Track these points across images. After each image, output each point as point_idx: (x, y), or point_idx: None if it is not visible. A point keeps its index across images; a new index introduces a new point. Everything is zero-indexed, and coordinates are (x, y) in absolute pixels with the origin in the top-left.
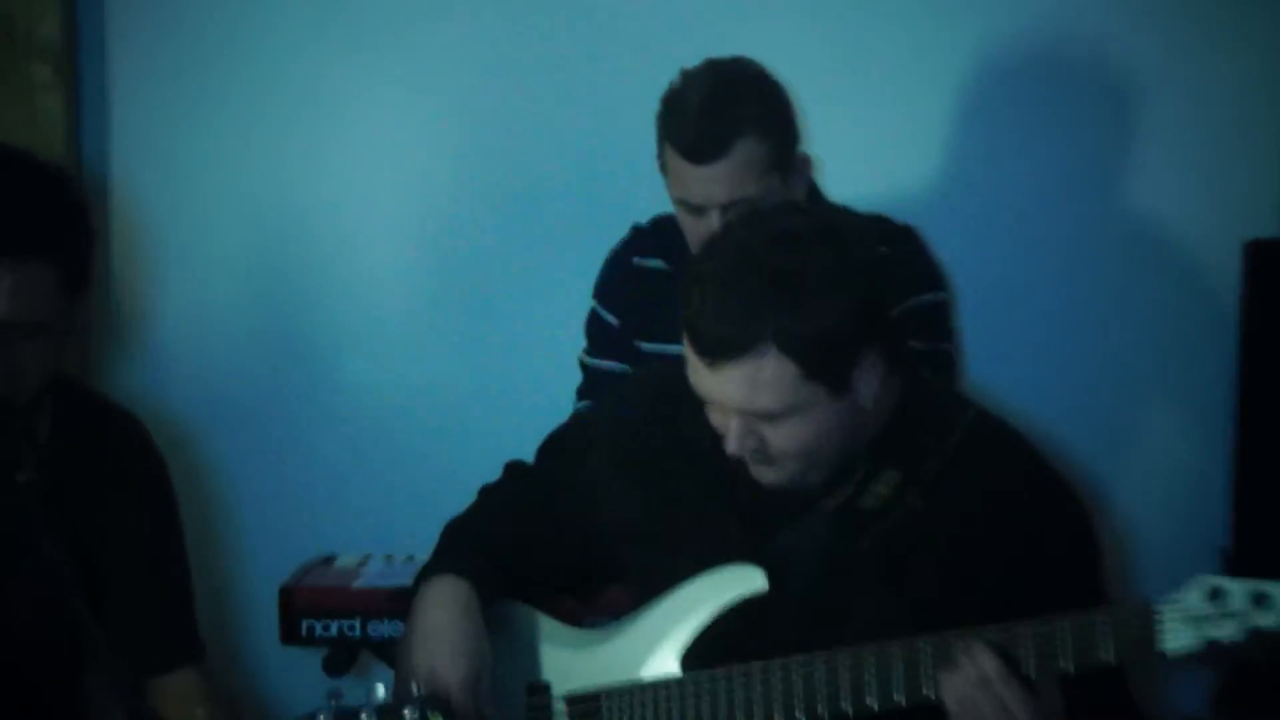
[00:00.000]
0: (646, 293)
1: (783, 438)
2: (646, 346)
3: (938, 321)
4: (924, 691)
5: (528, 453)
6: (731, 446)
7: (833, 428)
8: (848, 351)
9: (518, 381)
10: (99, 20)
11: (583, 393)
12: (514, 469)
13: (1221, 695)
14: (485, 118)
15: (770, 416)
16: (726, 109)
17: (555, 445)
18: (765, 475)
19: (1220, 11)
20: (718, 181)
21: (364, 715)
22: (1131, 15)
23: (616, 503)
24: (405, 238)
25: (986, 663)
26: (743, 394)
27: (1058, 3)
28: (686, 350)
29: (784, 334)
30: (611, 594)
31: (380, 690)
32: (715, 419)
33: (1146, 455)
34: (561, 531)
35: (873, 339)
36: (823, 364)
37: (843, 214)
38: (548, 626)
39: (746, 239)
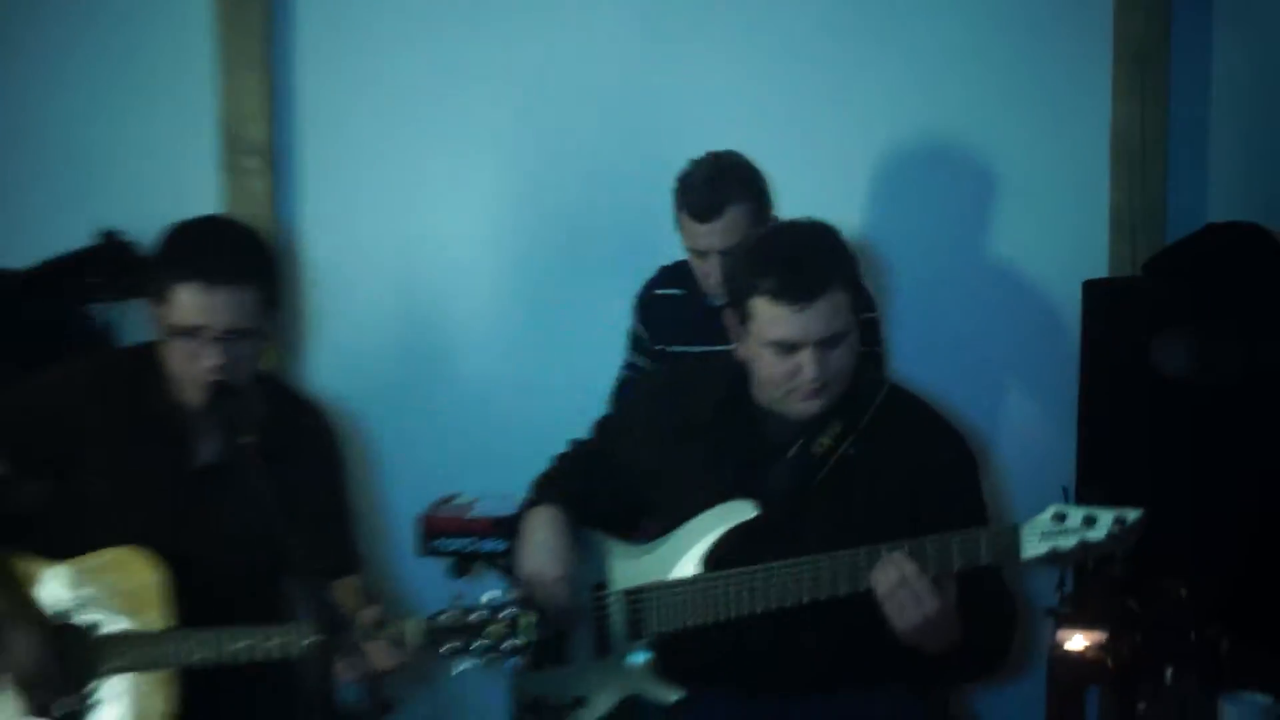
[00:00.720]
0: (668, 312)
1: (839, 358)
2: (670, 349)
3: (872, 332)
4: (861, 587)
5: (583, 424)
6: (812, 372)
7: (853, 356)
8: (859, 300)
9: (576, 373)
10: (289, 125)
11: (623, 381)
12: (575, 443)
13: (1068, 593)
14: (558, 192)
15: (839, 338)
16: (721, 185)
17: (605, 422)
18: (809, 407)
19: (1053, 103)
20: (715, 235)
21: (477, 610)
22: (991, 112)
23: (648, 459)
24: (500, 271)
25: (905, 566)
26: (825, 321)
27: (938, 106)
28: (772, 309)
29: (843, 275)
30: (647, 523)
31: (488, 594)
32: (783, 369)
33: (1017, 426)
34: (611, 480)
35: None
36: (855, 300)
37: None
38: (607, 544)
39: (795, 232)
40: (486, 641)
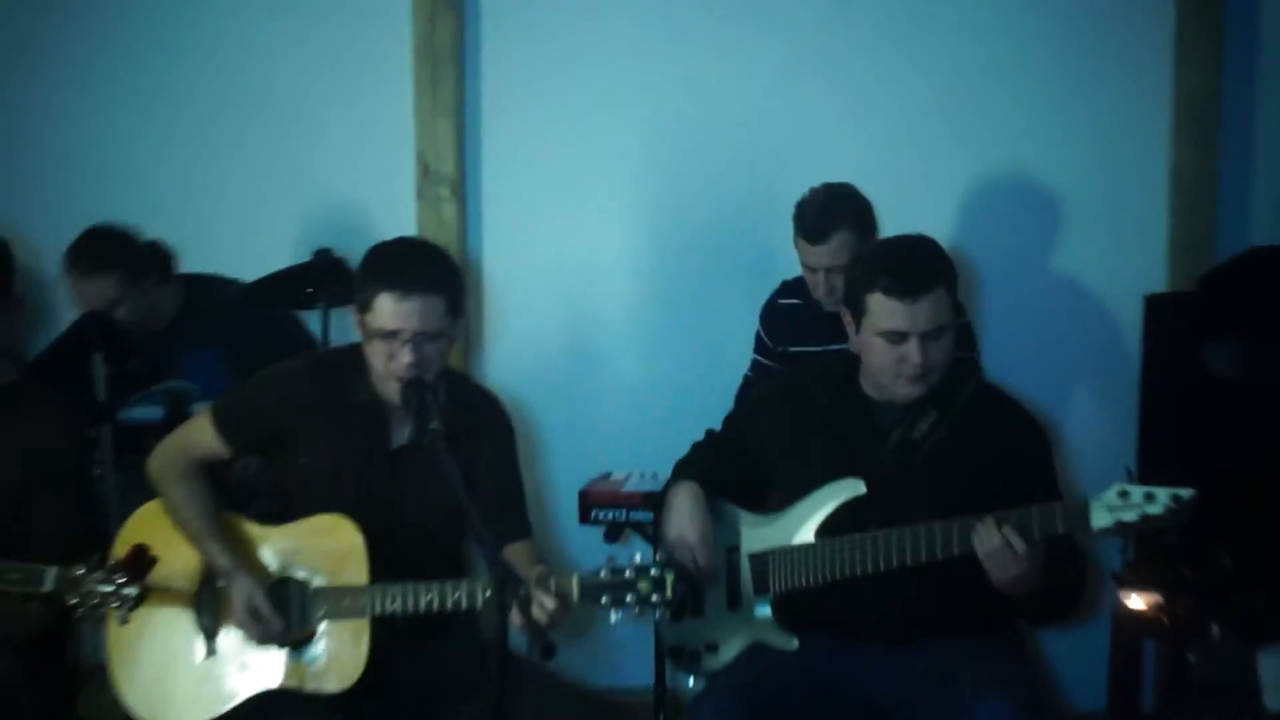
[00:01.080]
0: (787, 318)
1: (940, 349)
2: (789, 349)
3: (965, 336)
4: (956, 551)
5: (715, 415)
6: (917, 358)
7: (951, 348)
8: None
9: (709, 372)
10: (474, 162)
11: (749, 379)
12: (710, 432)
13: (1129, 560)
14: (696, 215)
15: (940, 330)
16: (832, 213)
17: (734, 414)
18: (913, 391)
19: (1122, 144)
20: (824, 255)
21: (628, 569)
22: (1069, 152)
23: (772, 442)
24: (646, 284)
25: (1004, 532)
26: (929, 314)
27: (1024, 146)
28: (886, 303)
29: (945, 277)
30: (770, 497)
31: (637, 555)
32: (892, 356)
33: (1086, 417)
34: (740, 461)
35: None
36: (954, 301)
37: None
38: (738, 514)
39: (905, 241)
40: (636, 595)
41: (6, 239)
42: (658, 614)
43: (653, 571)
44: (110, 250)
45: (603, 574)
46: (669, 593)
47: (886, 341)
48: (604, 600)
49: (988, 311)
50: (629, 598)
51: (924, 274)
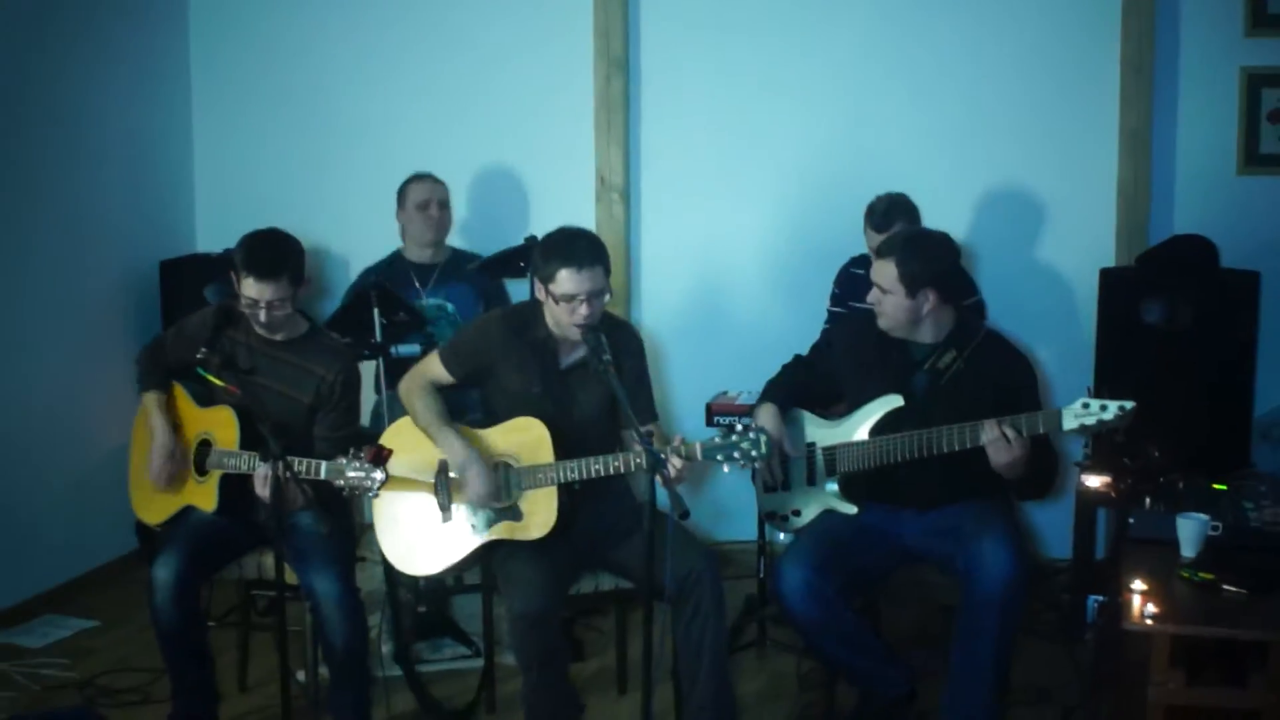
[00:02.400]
0: (854, 282)
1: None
2: (853, 305)
3: (977, 308)
4: (969, 444)
5: (801, 350)
6: (873, 297)
7: (898, 308)
8: (916, 283)
9: (801, 319)
10: (637, 174)
11: (826, 325)
12: (798, 357)
13: (1089, 453)
14: (799, 207)
15: (883, 291)
16: (892, 211)
17: (815, 348)
18: (882, 323)
19: (1081, 162)
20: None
21: (734, 435)
22: (1048, 168)
23: (839, 368)
24: (763, 256)
25: (1001, 429)
26: (876, 273)
27: (1006, 164)
28: (878, 262)
29: (915, 268)
30: (836, 406)
31: (739, 425)
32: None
33: (1060, 354)
34: (816, 379)
35: (939, 286)
36: (913, 277)
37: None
38: (812, 418)
39: (911, 234)
40: (741, 451)
41: (296, 236)
42: (755, 465)
43: (750, 435)
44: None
45: (716, 439)
46: (763, 449)
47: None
48: (719, 457)
49: (985, 282)
50: (736, 454)
51: (888, 247)
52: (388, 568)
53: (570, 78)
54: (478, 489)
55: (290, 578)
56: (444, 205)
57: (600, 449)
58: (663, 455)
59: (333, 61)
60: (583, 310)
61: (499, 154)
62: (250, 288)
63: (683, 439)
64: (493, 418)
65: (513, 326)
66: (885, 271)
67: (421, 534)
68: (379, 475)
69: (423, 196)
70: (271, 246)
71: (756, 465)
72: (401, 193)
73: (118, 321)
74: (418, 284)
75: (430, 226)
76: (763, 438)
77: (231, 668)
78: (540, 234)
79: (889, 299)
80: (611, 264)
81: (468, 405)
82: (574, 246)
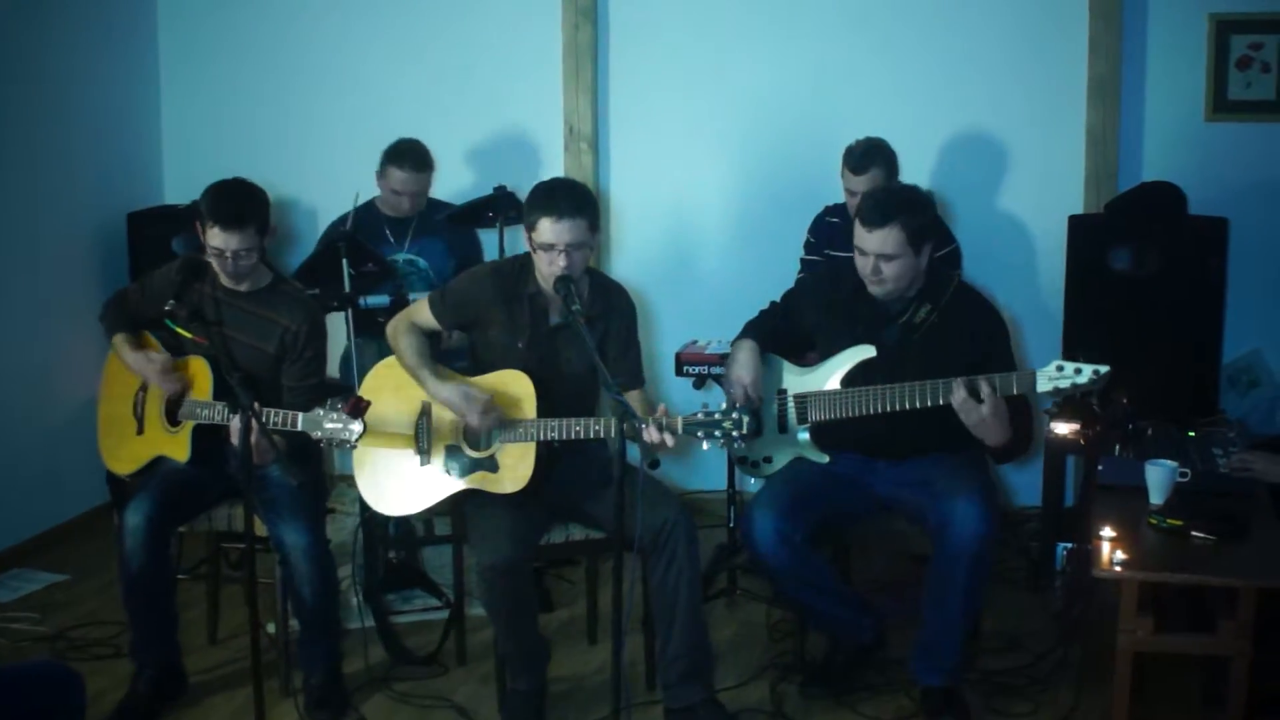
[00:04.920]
0: (830, 230)
1: (891, 268)
2: (829, 253)
3: (952, 256)
4: (940, 401)
5: (775, 296)
6: (866, 271)
7: (907, 269)
8: (921, 238)
9: (772, 267)
10: (605, 123)
11: (800, 272)
12: (772, 304)
13: (1058, 400)
14: (768, 156)
15: (890, 258)
16: (870, 155)
17: (789, 293)
18: (874, 292)
19: (1052, 113)
20: (862, 183)
21: (717, 413)
22: (1020, 119)
23: (812, 316)
24: (731, 205)
25: (979, 386)
26: (880, 242)
27: (976, 112)
28: (859, 228)
29: (904, 221)
30: (809, 354)
31: (722, 404)
32: (860, 265)
33: (1030, 308)
34: (789, 327)
35: (935, 235)
36: (917, 236)
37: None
38: (785, 365)
39: (889, 189)
40: (722, 430)
41: (261, 186)
42: (736, 445)
43: (733, 415)
44: (426, 154)
45: (699, 415)
46: (744, 430)
47: (858, 254)
48: (699, 434)
49: (957, 231)
50: (717, 432)
51: (884, 213)
52: (365, 519)
53: (539, 26)
54: (477, 412)
55: (260, 530)
56: (421, 195)
57: (588, 407)
58: (643, 424)
59: (298, 12)
60: (560, 261)
61: (466, 103)
62: (216, 237)
63: (666, 410)
64: (478, 367)
65: (504, 280)
66: (890, 238)
67: (397, 476)
68: (356, 427)
69: (401, 186)
70: (236, 196)
71: (736, 446)
72: (384, 164)
73: (86, 273)
74: (392, 238)
75: (399, 209)
76: (745, 418)
77: (201, 621)
78: (509, 184)
79: (896, 264)
80: None
81: (453, 356)
82: (555, 196)
